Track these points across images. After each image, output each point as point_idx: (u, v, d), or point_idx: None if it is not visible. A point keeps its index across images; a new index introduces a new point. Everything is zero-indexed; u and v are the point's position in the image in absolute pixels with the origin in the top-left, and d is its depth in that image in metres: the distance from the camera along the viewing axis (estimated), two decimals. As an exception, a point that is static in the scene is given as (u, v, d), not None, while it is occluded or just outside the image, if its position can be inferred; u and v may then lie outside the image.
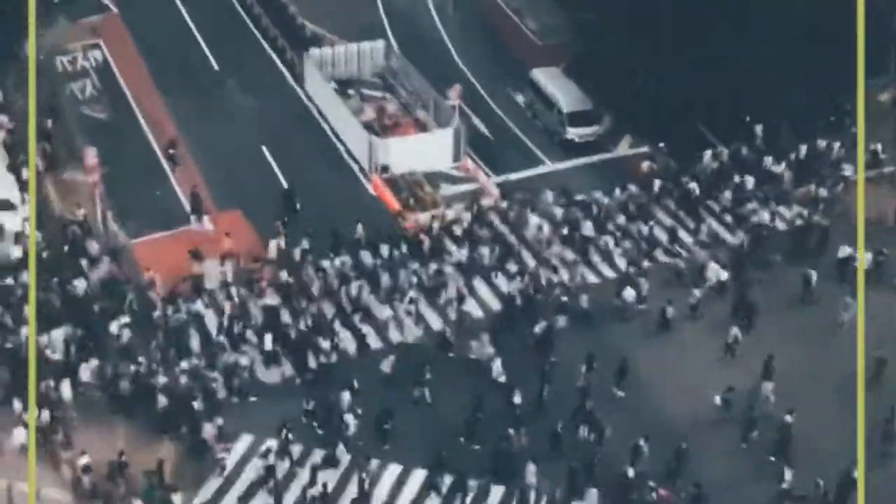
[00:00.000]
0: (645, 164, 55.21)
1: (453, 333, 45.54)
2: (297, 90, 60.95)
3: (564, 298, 46.86)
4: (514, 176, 55.46)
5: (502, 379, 43.33)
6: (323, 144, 57.17)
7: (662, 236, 51.24)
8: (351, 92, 59.31)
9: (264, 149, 56.02)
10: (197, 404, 41.40)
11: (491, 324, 46.28)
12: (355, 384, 42.05)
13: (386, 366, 43.24)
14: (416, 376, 42.90)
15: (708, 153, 55.54)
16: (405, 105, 59.23)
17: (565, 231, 50.73)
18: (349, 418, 41.02)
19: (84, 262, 47.89)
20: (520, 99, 61.24)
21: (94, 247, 48.75)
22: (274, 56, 63.74)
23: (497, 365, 43.59)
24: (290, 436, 40.36)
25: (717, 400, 42.40)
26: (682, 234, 51.67)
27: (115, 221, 50.98)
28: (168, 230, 51.44)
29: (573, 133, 57.63)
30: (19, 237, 50.04)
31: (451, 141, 55.55)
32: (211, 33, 64.67)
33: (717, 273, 48.21)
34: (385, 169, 54.61)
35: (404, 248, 49.67)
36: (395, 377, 43.18)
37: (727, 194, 53.31)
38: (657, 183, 53.83)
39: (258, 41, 64.91)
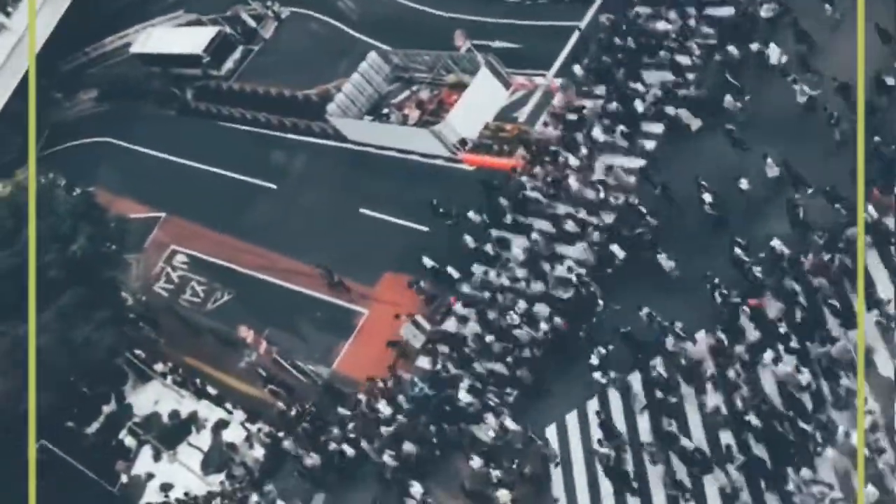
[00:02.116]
0: None
1: None
2: (348, 146, 61.18)
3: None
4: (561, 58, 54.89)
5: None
6: (404, 169, 57.24)
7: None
8: (385, 110, 59.29)
9: (363, 210, 56.49)
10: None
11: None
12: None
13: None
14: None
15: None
16: (433, 82, 58.98)
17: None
18: None
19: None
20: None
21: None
22: (310, 139, 63.95)
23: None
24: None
25: None
26: None
27: (307, 364, 51.98)
28: (347, 337, 52.35)
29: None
30: (251, 438, 51.51)
31: (490, 77, 55.22)
32: (248, 164, 65.31)
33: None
34: (464, 143, 54.59)
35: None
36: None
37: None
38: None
39: (286, 139, 65.38)
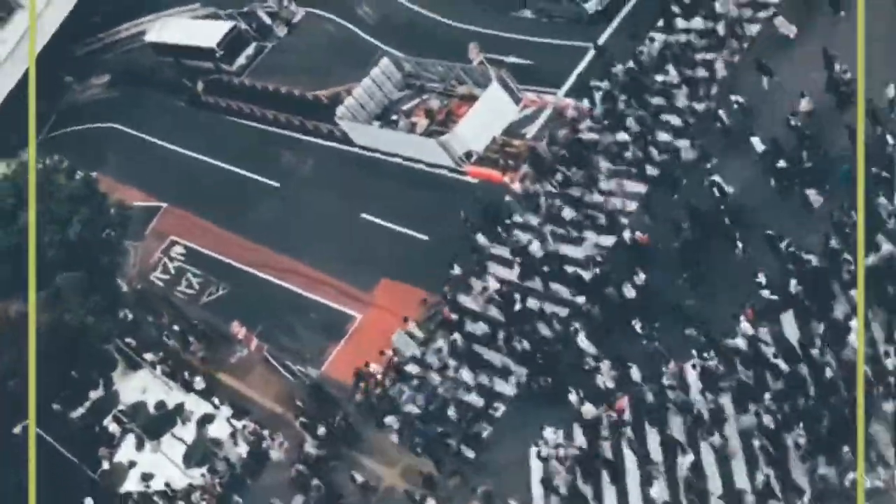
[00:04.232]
0: None
1: None
2: (354, 150, 61.09)
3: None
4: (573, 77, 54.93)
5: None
6: (408, 177, 57.21)
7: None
8: (394, 117, 59.25)
9: (364, 215, 56.50)
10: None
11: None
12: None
13: None
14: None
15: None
16: (444, 92, 58.96)
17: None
18: None
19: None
20: (527, 14, 60.53)
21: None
22: (317, 140, 63.88)
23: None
24: None
25: None
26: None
27: (298, 364, 51.95)
28: (340, 339, 52.42)
29: (591, 5, 56.81)
30: (236, 435, 51.46)
31: (501, 92, 55.27)
32: (253, 160, 65.23)
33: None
34: (469, 155, 54.64)
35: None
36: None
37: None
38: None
39: (293, 138, 65.25)
